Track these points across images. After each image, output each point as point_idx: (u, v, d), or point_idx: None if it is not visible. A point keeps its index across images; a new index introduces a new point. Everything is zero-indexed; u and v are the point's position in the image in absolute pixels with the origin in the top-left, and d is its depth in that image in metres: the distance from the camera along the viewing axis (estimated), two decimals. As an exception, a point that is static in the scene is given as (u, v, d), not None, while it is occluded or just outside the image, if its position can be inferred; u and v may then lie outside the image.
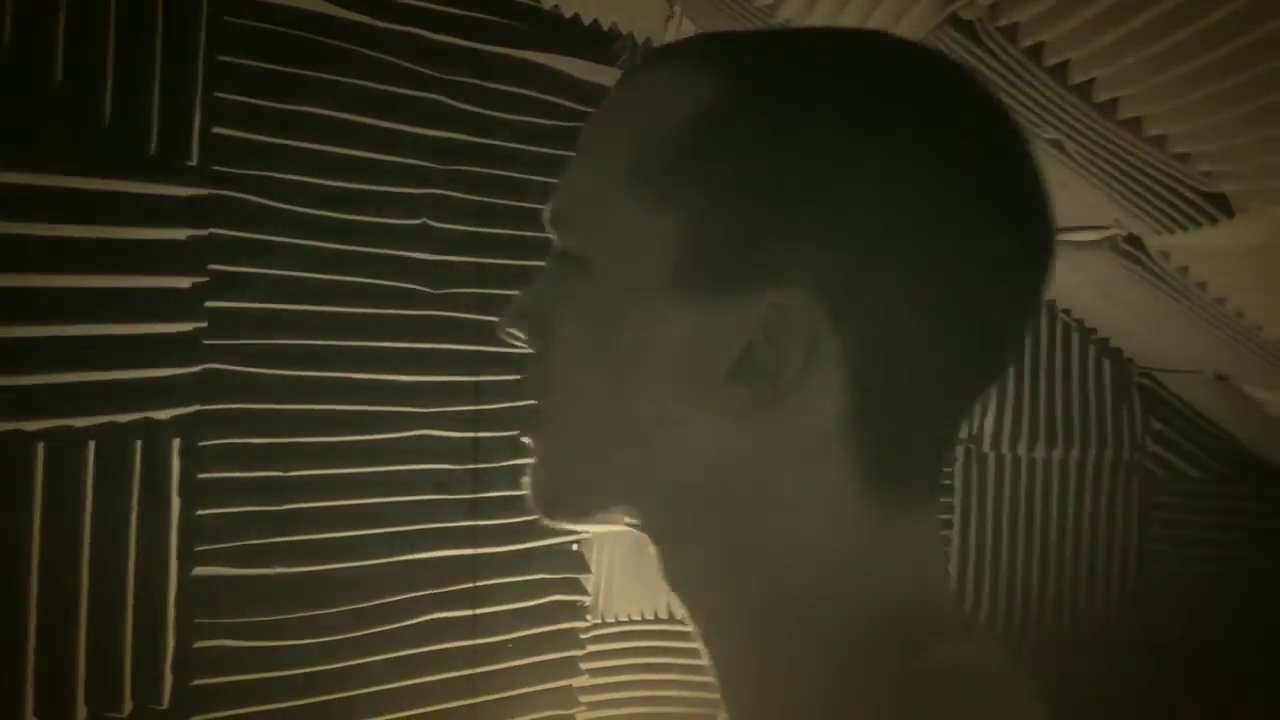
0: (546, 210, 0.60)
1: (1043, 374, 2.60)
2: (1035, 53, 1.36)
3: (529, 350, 0.61)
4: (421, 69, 2.11)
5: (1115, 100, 1.35)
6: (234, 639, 1.94)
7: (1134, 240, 1.79)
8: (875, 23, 1.58)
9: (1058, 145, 1.57)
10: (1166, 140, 1.36)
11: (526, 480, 0.62)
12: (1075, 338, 2.60)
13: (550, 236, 0.61)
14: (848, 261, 0.52)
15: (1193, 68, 1.18)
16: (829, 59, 0.56)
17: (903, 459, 0.56)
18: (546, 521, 0.61)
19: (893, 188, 0.52)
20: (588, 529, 0.62)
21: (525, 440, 0.63)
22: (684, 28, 2.37)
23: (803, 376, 0.52)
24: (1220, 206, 1.45)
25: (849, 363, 0.52)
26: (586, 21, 2.30)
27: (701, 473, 0.56)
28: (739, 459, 0.55)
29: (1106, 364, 2.60)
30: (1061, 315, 2.58)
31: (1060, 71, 1.36)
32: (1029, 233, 0.56)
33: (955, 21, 1.43)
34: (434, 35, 2.14)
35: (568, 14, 2.28)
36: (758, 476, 0.55)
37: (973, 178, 0.54)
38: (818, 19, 1.67)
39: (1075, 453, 2.60)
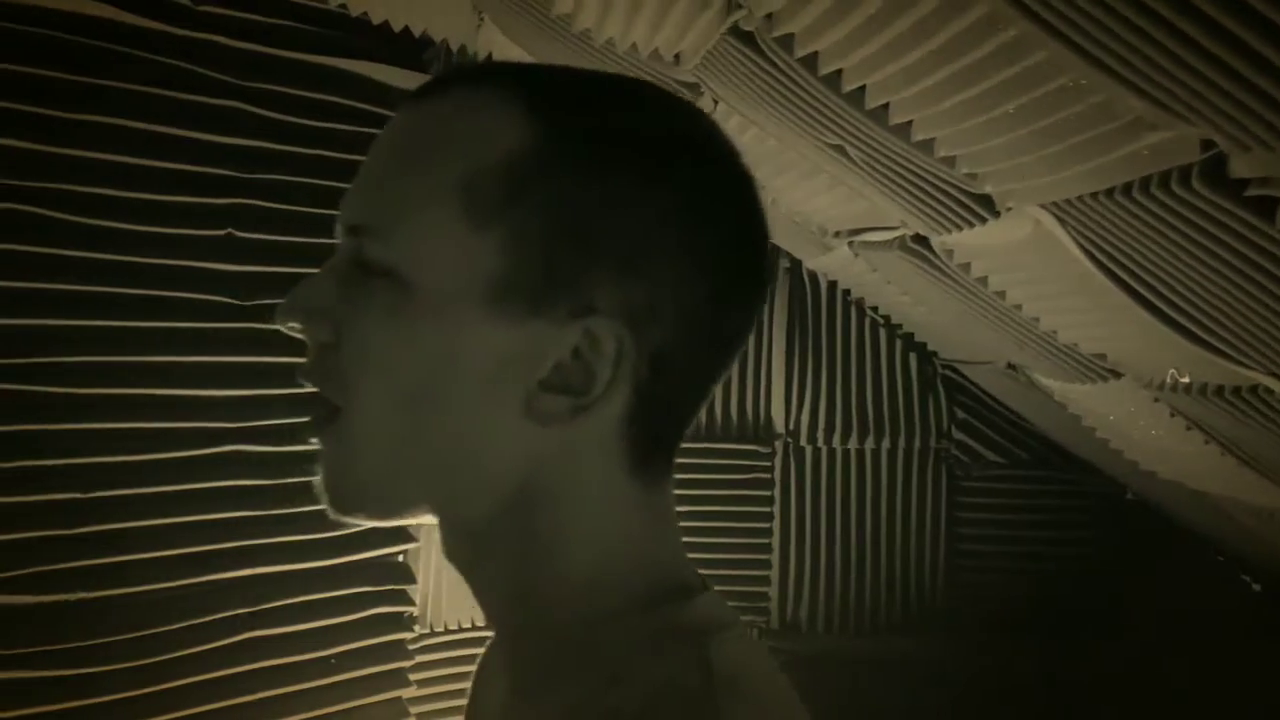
0: (346, 215, 0.65)
1: (853, 369, 2.71)
2: (810, 62, 1.41)
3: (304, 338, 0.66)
4: (223, 76, 2.07)
5: (886, 106, 1.42)
6: (31, 669, 1.86)
7: (920, 239, 1.89)
8: (665, 33, 1.63)
9: (840, 151, 1.64)
10: (934, 144, 1.43)
11: (317, 475, 0.66)
12: (882, 333, 2.71)
13: (339, 240, 0.66)
14: (644, 292, 0.60)
15: (949, 74, 1.24)
16: (627, 111, 0.65)
17: (657, 447, 0.65)
18: (339, 517, 0.66)
19: (676, 229, 0.61)
20: (378, 524, 0.68)
21: (312, 436, 0.66)
22: (494, 36, 2.38)
23: (607, 390, 0.60)
24: (986, 206, 1.54)
25: (635, 376, 0.61)
26: (396, 28, 2.29)
27: (504, 471, 0.63)
28: (539, 458, 0.63)
29: (912, 357, 2.73)
30: (869, 312, 2.69)
31: (835, 79, 1.42)
32: (760, 267, 0.67)
33: (737, 32, 1.48)
34: (234, 43, 2.09)
35: (376, 20, 2.27)
36: (555, 472, 0.63)
37: (730, 220, 0.65)
38: (610, 29, 1.70)
39: (886, 442, 2.72)
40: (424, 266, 0.60)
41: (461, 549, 0.68)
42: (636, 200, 0.60)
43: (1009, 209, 1.50)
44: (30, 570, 1.87)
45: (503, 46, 2.45)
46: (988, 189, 1.48)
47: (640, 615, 0.62)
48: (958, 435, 2.75)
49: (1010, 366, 2.38)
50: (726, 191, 0.65)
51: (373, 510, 0.66)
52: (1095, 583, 2.74)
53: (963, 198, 1.54)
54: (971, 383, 2.74)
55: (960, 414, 2.75)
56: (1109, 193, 1.23)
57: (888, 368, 2.72)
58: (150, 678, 2.01)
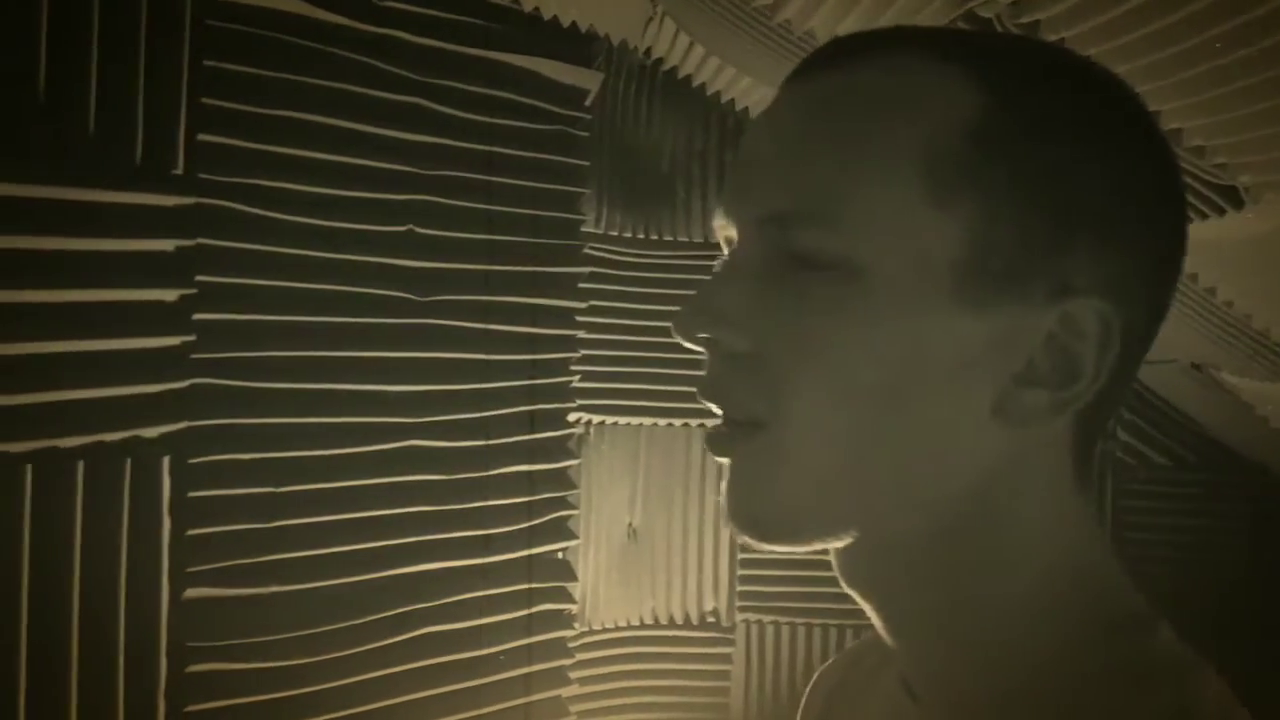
0: (758, 204, 0.57)
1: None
2: (1054, 49, 1.37)
3: (704, 352, 0.58)
4: (404, 72, 2.07)
5: (1134, 95, 1.37)
6: (228, 662, 1.89)
7: (1127, 234, 1.83)
8: (889, 18, 1.59)
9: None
10: (1183, 134, 1.38)
11: (726, 496, 0.58)
12: (1048, 331, 2.64)
13: (730, 235, 0.58)
14: (1120, 265, 0.54)
15: (1211, 67, 1.21)
16: (1065, 71, 0.57)
17: (1093, 447, 0.58)
18: (760, 545, 0.58)
19: (1138, 194, 0.55)
20: (794, 549, 0.59)
21: (723, 460, 0.58)
22: (665, 29, 2.36)
23: (1095, 380, 0.53)
24: (1229, 198, 1.48)
25: (1116, 361, 0.54)
26: (565, 24, 2.28)
27: (962, 482, 0.55)
28: (996, 465, 0.55)
29: (1078, 356, 2.65)
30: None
31: (1079, 68, 1.38)
32: (1185, 237, 0.59)
33: (972, 18, 1.44)
34: (416, 39, 2.10)
35: (547, 16, 2.26)
36: (1006, 480, 0.55)
37: (1171, 186, 0.57)
38: (822, 18, 1.67)
39: (1051, 444, 2.64)
40: (882, 251, 0.52)
41: (881, 573, 0.59)
42: (1102, 165, 0.53)
43: (1258, 201, 1.44)
44: (228, 563, 1.89)
45: (668, 43, 2.43)
46: (1240, 180, 1.42)
47: (1095, 651, 0.54)
48: (1124, 437, 2.67)
49: (1194, 366, 2.30)
50: (1164, 156, 0.58)
51: (804, 535, 0.57)
52: (1267, 588, 2.64)
53: (1204, 189, 1.48)
54: (1139, 383, 2.66)
55: (1127, 415, 2.67)
56: (1401, 182, 1.18)
57: (1052, 367, 2.65)
58: (333, 672, 2.03)
